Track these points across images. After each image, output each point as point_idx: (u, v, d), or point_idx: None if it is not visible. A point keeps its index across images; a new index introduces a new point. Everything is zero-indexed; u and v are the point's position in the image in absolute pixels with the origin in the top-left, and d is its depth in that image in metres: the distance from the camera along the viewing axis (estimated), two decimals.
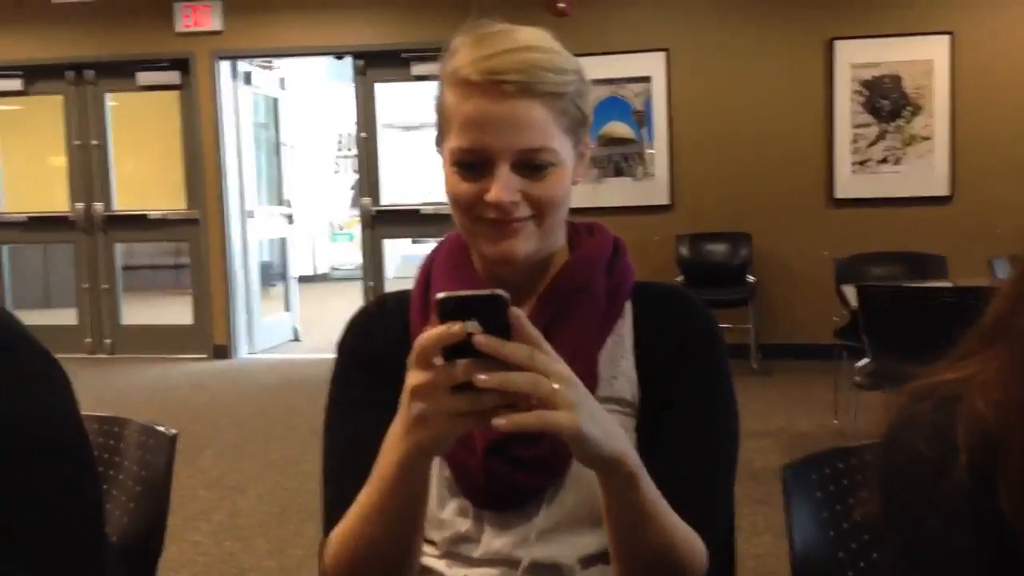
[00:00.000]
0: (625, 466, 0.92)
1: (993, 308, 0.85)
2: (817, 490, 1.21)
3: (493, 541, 1.09)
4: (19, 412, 1.01)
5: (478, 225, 1.08)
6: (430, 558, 1.11)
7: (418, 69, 7.12)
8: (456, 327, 0.84)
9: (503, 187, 1.04)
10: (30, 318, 1.04)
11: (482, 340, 0.83)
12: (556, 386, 0.85)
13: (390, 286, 7.18)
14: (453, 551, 1.11)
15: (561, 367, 0.87)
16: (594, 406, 0.90)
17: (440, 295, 0.85)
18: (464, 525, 1.11)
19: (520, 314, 0.86)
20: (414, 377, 0.87)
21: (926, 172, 6.53)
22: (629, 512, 0.96)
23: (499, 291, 0.85)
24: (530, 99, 1.03)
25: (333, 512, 1.09)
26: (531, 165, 1.05)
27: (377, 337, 1.19)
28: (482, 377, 0.83)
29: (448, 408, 0.86)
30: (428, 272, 1.20)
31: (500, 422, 0.84)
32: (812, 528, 1.20)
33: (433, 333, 0.84)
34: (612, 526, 0.98)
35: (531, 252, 1.08)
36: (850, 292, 4.20)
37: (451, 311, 0.84)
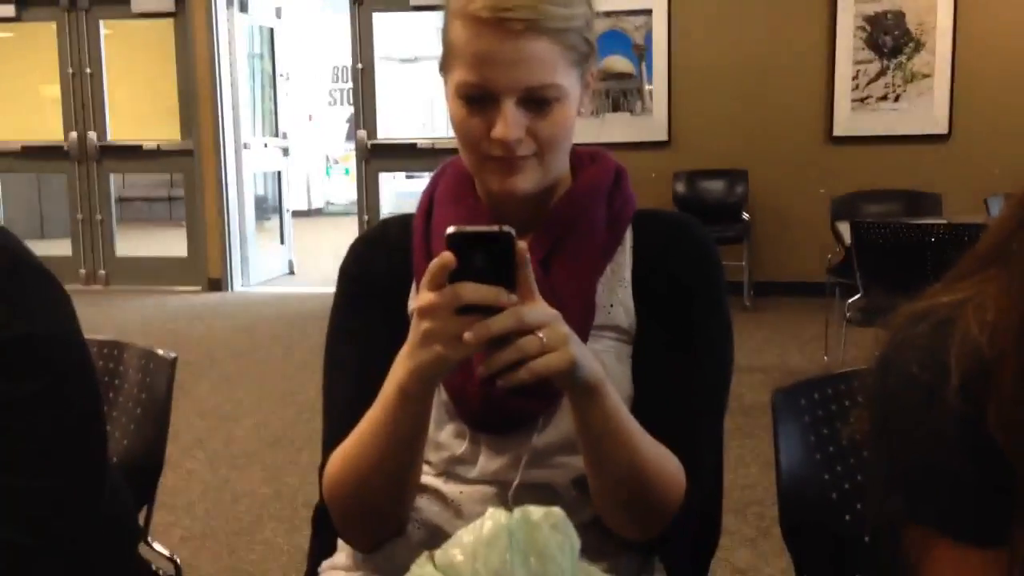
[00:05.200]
0: (593, 381, 0.96)
1: (990, 232, 0.86)
2: (805, 415, 1.24)
3: (488, 463, 1.11)
4: (27, 333, 1.03)
5: (484, 162, 1.09)
6: (427, 476, 1.13)
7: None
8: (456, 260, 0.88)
9: (509, 124, 1.04)
10: None
11: (471, 292, 0.88)
12: (542, 335, 0.90)
13: None
14: (450, 471, 1.13)
15: (543, 312, 0.91)
16: (575, 336, 0.95)
17: (449, 230, 0.89)
18: (460, 447, 1.12)
19: (524, 254, 0.89)
20: (423, 298, 0.91)
21: (925, 110, 6.49)
22: (595, 426, 0.99)
23: (506, 228, 0.89)
24: (537, 36, 1.02)
25: (333, 435, 1.11)
26: (537, 100, 1.05)
27: (379, 263, 1.20)
28: (468, 335, 0.88)
29: (452, 329, 0.89)
30: (431, 199, 1.20)
31: (501, 383, 0.90)
32: (799, 451, 1.22)
33: (442, 259, 0.88)
34: (581, 443, 1.02)
35: (535, 187, 1.10)
36: (844, 229, 4.22)
37: (459, 245, 0.88)
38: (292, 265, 8.37)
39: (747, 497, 3.21)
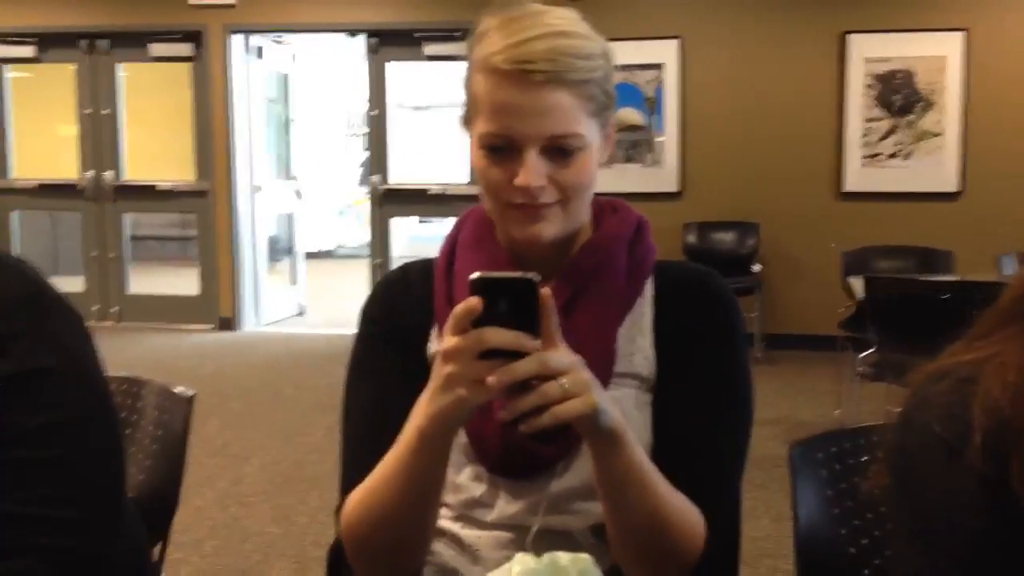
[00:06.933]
0: (615, 428, 0.97)
1: (1011, 290, 0.86)
2: (823, 468, 1.24)
3: (506, 507, 1.12)
4: (48, 365, 1.04)
5: (507, 209, 1.10)
6: (444, 520, 1.14)
7: (431, 49, 7.07)
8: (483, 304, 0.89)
9: (531, 172, 1.06)
10: None
11: (495, 337, 0.89)
12: (564, 381, 0.90)
13: (396, 265, 7.15)
14: (466, 514, 1.14)
15: (566, 358, 0.92)
16: (598, 383, 0.95)
17: (474, 275, 0.90)
18: (478, 490, 1.13)
19: (549, 301, 0.90)
20: (447, 341, 0.92)
21: (935, 168, 6.53)
22: (616, 473, 0.99)
23: (530, 275, 0.90)
24: (558, 87, 1.05)
25: (351, 476, 1.12)
26: (558, 150, 1.07)
27: (400, 306, 1.21)
28: (491, 379, 0.88)
29: (475, 373, 0.90)
30: (453, 245, 1.22)
31: (523, 428, 0.90)
32: (817, 505, 1.22)
33: (468, 304, 0.89)
34: (601, 491, 1.02)
35: (557, 235, 1.11)
36: (857, 283, 4.22)
37: (483, 290, 0.89)
38: (302, 307, 8.38)
39: (759, 549, 3.18)
